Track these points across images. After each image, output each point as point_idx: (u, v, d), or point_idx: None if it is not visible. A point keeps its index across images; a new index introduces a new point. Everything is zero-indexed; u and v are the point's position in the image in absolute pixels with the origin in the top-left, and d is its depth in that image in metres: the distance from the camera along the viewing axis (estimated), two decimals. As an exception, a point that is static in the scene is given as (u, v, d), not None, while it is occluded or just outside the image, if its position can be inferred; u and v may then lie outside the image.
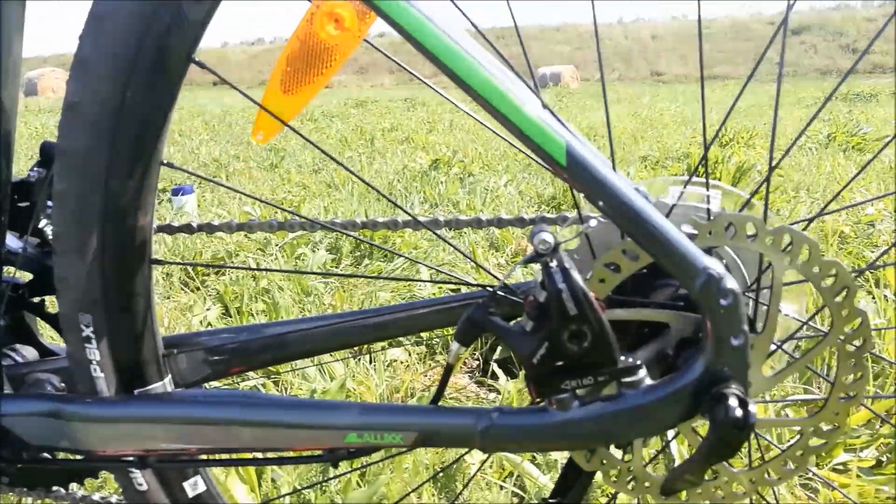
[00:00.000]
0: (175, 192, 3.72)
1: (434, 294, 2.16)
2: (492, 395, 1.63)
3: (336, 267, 2.55)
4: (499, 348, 1.77)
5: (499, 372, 1.63)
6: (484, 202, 3.47)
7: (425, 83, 0.68)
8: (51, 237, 0.74)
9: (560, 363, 0.55)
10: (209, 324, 1.99)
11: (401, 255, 0.92)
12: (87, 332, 0.64)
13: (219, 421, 0.64)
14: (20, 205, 0.70)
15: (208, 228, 0.76)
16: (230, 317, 2.04)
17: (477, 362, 1.78)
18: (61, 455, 0.72)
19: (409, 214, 0.65)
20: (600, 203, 0.53)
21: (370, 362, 1.63)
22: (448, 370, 0.60)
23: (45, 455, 0.70)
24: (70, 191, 0.61)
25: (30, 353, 0.78)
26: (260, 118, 0.62)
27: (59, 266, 0.63)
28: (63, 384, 0.73)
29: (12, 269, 0.73)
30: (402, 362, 1.71)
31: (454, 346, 0.59)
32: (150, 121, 0.60)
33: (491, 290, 0.64)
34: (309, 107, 11.39)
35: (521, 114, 0.51)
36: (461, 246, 2.72)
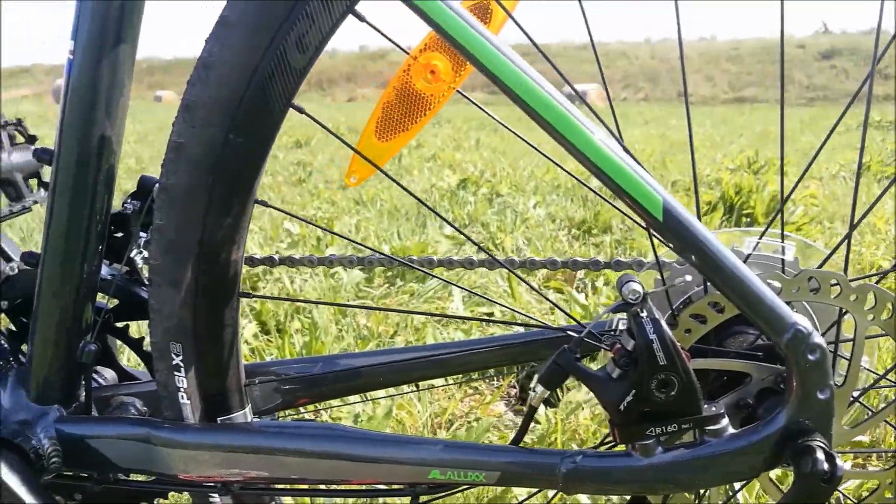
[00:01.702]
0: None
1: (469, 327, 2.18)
2: (491, 418, 1.64)
3: (369, 286, 2.57)
4: (536, 376, 1.77)
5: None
6: (514, 224, 3.48)
7: (511, 130, 0.70)
8: (140, 266, 0.77)
9: (646, 410, 0.57)
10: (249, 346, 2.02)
11: (466, 290, 0.94)
12: (177, 360, 0.67)
13: (303, 453, 0.66)
14: (115, 235, 0.73)
15: (289, 262, 0.79)
16: (267, 334, 2.07)
17: (514, 389, 1.79)
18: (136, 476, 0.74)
19: (487, 253, 0.67)
20: (692, 257, 0.54)
21: (416, 389, 1.65)
22: (531, 412, 0.62)
23: (127, 477, 0.73)
24: (169, 226, 0.64)
25: (110, 375, 0.81)
26: (354, 162, 0.64)
27: (154, 296, 0.66)
28: (145, 408, 0.76)
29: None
30: (441, 389, 1.73)
31: (539, 388, 0.60)
32: (248, 162, 0.63)
33: (574, 334, 0.66)
34: (336, 123, 11.50)
35: (621, 171, 0.53)
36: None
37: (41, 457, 0.67)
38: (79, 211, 0.66)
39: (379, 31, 0.63)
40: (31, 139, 0.96)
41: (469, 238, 0.65)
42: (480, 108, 0.64)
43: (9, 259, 0.81)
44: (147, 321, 0.67)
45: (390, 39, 0.63)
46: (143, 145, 8.13)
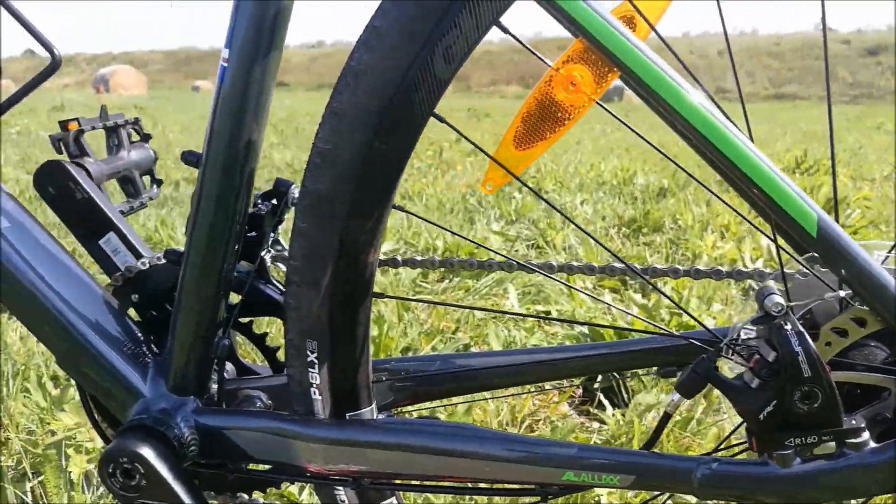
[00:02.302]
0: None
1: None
2: (595, 425, 1.65)
3: (425, 281, 2.59)
4: (599, 376, 1.78)
5: (605, 402, 1.65)
6: (564, 223, 3.48)
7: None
8: (269, 264, 0.80)
9: (786, 420, 0.58)
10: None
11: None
12: (312, 357, 0.70)
13: (432, 450, 0.68)
14: (248, 235, 0.75)
15: (412, 263, 0.81)
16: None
17: (579, 389, 1.80)
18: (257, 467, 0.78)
19: (621, 260, 0.68)
20: (843, 272, 0.55)
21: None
22: (666, 418, 0.63)
23: (257, 466, 0.76)
24: (312, 229, 0.66)
25: (230, 368, 0.84)
26: (491, 169, 0.66)
27: (292, 295, 0.69)
28: (270, 401, 0.79)
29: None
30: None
31: (675, 396, 0.62)
32: (390, 168, 0.65)
33: (697, 342, 0.67)
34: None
35: (776, 184, 0.54)
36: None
37: (183, 445, 0.70)
38: (223, 212, 0.69)
39: (520, 41, 0.65)
40: (146, 137, 0.99)
41: (606, 247, 0.66)
42: (615, 115, 0.65)
43: (139, 255, 0.84)
44: (264, 317, 0.70)
45: (532, 50, 0.65)
46: (187, 135, 8.28)
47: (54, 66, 0.70)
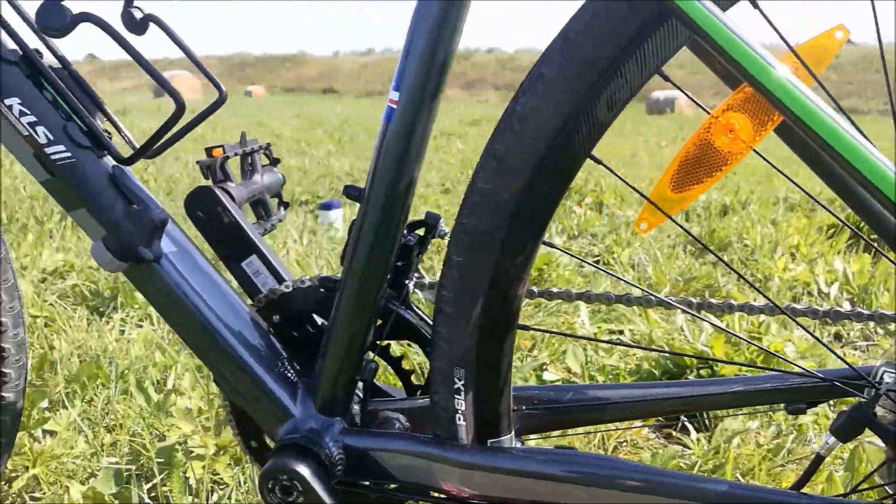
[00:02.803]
0: (323, 208, 3.91)
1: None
2: (675, 447, 1.65)
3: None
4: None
5: (689, 426, 1.64)
6: (629, 239, 3.46)
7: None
8: (410, 292, 0.83)
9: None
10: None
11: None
12: (459, 384, 0.72)
13: (576, 481, 0.70)
14: (397, 264, 0.79)
15: (566, 296, 0.84)
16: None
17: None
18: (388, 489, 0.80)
19: (766, 297, 0.69)
20: None
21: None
22: (818, 461, 0.64)
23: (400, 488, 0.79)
24: (466, 263, 0.69)
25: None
26: (646, 210, 0.68)
27: (442, 324, 0.72)
28: (408, 423, 0.82)
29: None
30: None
31: (830, 439, 0.62)
32: (546, 208, 0.67)
33: (840, 383, 0.68)
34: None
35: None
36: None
37: (333, 464, 0.74)
38: (381, 244, 0.73)
39: (680, 88, 0.67)
40: (275, 162, 1.04)
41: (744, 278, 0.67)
42: (771, 164, 0.67)
43: (279, 277, 0.88)
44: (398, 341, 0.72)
45: (692, 98, 0.66)
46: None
47: (221, 100, 0.74)
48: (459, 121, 13.09)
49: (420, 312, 0.83)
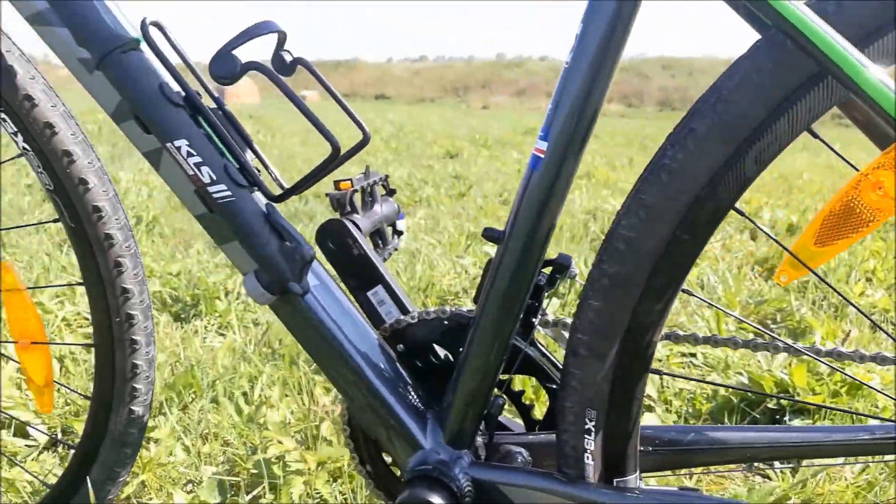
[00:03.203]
0: (388, 216, 3.98)
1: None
2: (758, 478, 1.63)
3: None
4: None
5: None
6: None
7: None
8: (534, 330, 0.85)
9: None
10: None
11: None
12: (589, 425, 0.74)
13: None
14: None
15: (713, 342, 0.85)
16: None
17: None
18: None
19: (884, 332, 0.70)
20: None
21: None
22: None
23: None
24: (604, 307, 0.71)
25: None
26: (787, 262, 0.69)
27: (575, 365, 0.74)
28: (530, 458, 0.84)
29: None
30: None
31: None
32: (687, 256, 0.69)
33: None
34: (481, 134, 11.66)
35: None
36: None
37: (462, 497, 0.77)
38: (517, 284, 0.75)
39: (821, 139, 0.67)
40: (391, 192, 1.07)
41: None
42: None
43: (403, 308, 0.91)
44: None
45: (842, 157, 0.67)
46: (309, 148, 8.60)
47: (365, 141, 0.77)
48: (513, 129, 13.10)
49: (543, 349, 0.85)
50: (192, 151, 0.73)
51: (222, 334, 2.21)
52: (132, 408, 1.03)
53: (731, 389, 1.89)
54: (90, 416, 1.06)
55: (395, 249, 1.05)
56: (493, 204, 5.08)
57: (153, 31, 0.75)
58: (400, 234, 1.08)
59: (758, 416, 1.80)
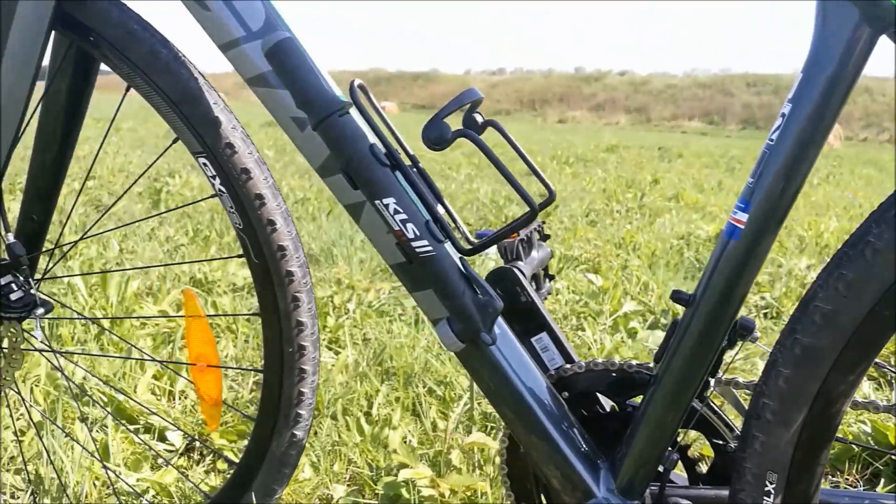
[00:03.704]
0: (478, 238, 4.00)
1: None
2: None
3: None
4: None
5: None
6: (788, 292, 3.31)
7: None
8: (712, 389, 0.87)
9: None
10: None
11: None
12: (769, 487, 0.76)
13: None
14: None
15: (872, 407, 0.86)
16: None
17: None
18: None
19: None
20: None
21: None
22: None
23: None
24: (795, 376, 0.72)
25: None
26: None
27: (759, 429, 0.75)
28: (693, 511, 0.86)
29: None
30: None
31: None
32: (884, 333, 0.69)
33: None
34: (563, 150, 11.60)
35: None
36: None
37: (640, 548, 0.79)
38: (703, 348, 0.78)
39: None
40: (545, 237, 1.11)
41: None
42: None
43: (567, 356, 0.94)
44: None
45: None
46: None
47: (551, 199, 0.81)
48: (595, 146, 12.98)
49: (716, 408, 0.87)
50: (399, 209, 0.78)
51: (333, 350, 2.29)
52: (294, 432, 1.10)
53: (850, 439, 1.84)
54: (254, 437, 1.13)
55: (549, 293, 1.08)
56: (580, 224, 5.05)
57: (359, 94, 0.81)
58: (552, 277, 1.11)
59: (881, 466, 1.76)
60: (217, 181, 0.97)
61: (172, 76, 0.92)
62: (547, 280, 1.12)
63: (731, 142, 20.13)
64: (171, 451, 1.64)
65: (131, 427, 1.68)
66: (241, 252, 1.03)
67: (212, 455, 1.62)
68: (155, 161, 1.08)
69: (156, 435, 1.67)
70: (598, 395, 0.92)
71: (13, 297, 1.05)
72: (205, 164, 0.96)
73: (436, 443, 1.61)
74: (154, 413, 1.69)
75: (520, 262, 0.99)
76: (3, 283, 1.03)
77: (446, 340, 0.81)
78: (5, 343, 1.11)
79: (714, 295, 0.75)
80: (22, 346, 1.10)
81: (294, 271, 1.00)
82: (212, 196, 1.01)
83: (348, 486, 1.51)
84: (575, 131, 21.23)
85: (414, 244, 0.79)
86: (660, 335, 2.58)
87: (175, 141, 0.98)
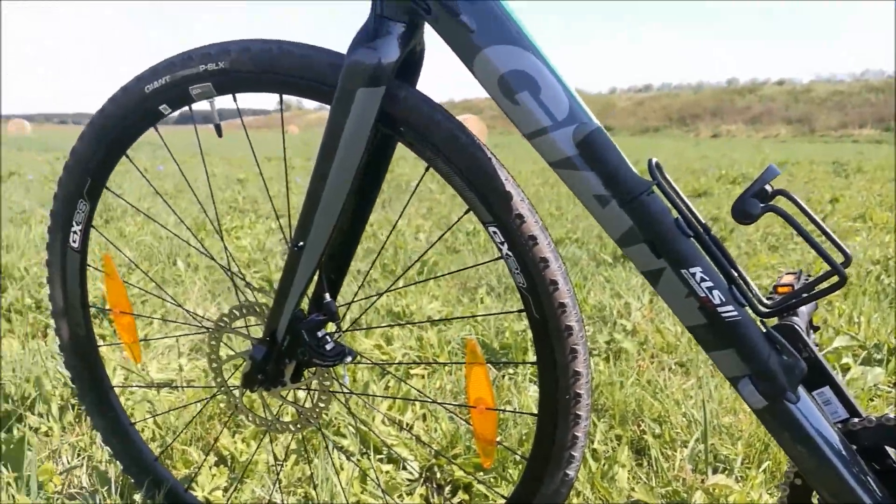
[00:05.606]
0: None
1: None
2: None
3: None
4: None
5: None
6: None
7: None
8: None
9: None
10: None
11: None
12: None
13: None
14: None
15: None
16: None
17: None
18: None
19: None
20: None
21: None
22: None
23: None
24: None
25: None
26: None
27: None
28: None
29: None
30: None
31: None
32: None
33: None
34: (725, 167, 11.13)
35: None
36: None
37: None
38: None
39: None
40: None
41: None
42: None
43: (854, 411, 0.97)
44: None
45: None
46: (547, 188, 8.80)
47: (847, 262, 0.85)
48: (757, 162, 12.35)
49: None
50: (705, 277, 0.86)
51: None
52: (567, 472, 1.19)
53: None
54: (526, 475, 1.24)
55: (817, 345, 1.11)
56: (759, 251, 4.86)
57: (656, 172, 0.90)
58: (816, 329, 1.14)
59: None
60: (505, 247, 1.09)
61: (469, 158, 1.06)
62: (811, 331, 1.15)
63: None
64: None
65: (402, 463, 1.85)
66: (521, 307, 1.14)
67: (449, 484, 1.75)
68: (449, 228, 1.22)
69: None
70: (888, 448, 0.94)
71: (328, 347, 1.23)
72: (494, 232, 1.09)
73: (672, 482, 1.65)
74: (439, 453, 1.85)
75: (794, 318, 1.03)
76: (322, 335, 1.21)
77: (751, 399, 0.87)
78: (314, 385, 1.30)
79: None
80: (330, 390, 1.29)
81: (573, 326, 1.11)
82: (497, 258, 1.14)
83: None
84: (732, 146, 20.26)
85: (720, 310, 0.86)
86: (878, 372, 2.45)
87: (466, 212, 1.12)
